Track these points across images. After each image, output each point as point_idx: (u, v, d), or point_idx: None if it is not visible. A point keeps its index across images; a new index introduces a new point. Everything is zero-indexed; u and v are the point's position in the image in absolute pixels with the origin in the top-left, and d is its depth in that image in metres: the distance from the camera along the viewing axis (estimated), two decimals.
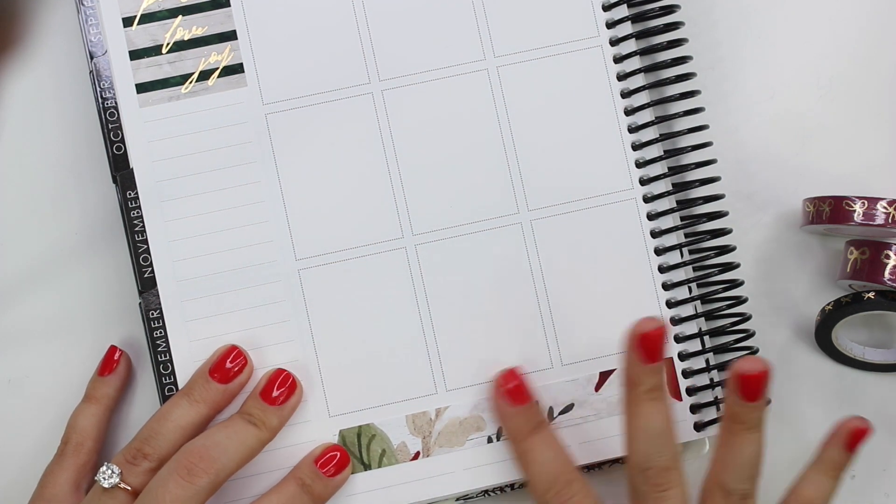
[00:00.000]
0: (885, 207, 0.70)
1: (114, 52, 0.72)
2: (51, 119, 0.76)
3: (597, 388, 0.72)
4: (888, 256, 0.70)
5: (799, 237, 0.76)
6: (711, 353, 0.73)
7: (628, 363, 0.65)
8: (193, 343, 0.71)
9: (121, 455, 0.67)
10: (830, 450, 0.67)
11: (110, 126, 0.72)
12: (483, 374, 0.71)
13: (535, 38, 0.73)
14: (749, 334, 0.72)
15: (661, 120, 0.73)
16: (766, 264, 0.76)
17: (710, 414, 0.72)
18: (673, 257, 0.72)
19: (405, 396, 0.71)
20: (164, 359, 0.71)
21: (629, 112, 0.73)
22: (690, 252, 0.73)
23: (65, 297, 0.75)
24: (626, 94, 0.73)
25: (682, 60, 0.73)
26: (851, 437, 0.66)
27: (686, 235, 0.73)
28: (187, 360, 0.70)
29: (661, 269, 0.72)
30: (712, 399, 0.72)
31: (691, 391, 0.72)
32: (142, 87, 0.72)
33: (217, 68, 0.72)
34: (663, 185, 0.73)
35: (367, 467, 0.71)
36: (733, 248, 0.73)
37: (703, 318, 0.73)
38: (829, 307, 0.72)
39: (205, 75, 0.72)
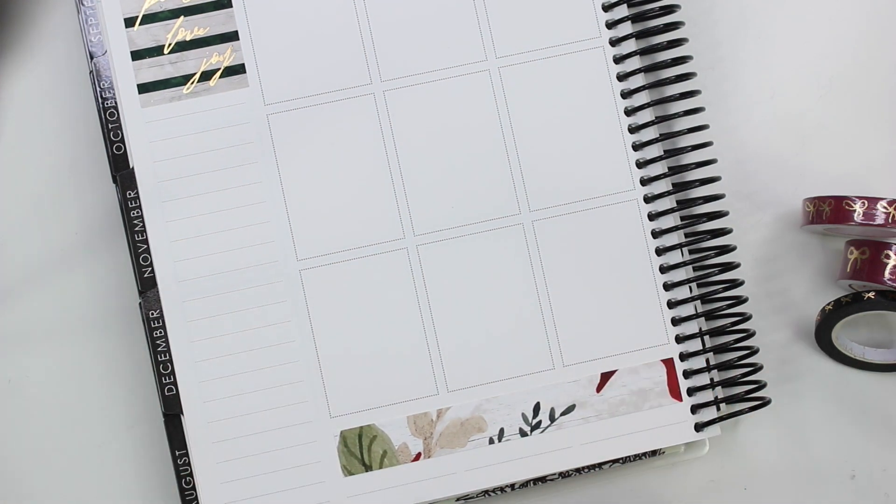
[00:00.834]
0: (885, 207, 0.70)
1: (115, 52, 0.72)
2: (51, 119, 0.76)
3: (598, 389, 0.72)
4: (888, 256, 0.71)
5: (799, 237, 0.76)
6: (711, 353, 0.73)
7: None
8: (194, 343, 0.71)
9: None
10: None
11: (110, 126, 0.72)
12: (484, 375, 0.71)
13: (536, 38, 0.73)
14: (749, 334, 0.72)
15: (661, 120, 0.73)
16: (766, 264, 0.76)
17: (710, 414, 0.72)
18: (673, 257, 0.72)
19: (406, 397, 0.71)
20: (164, 359, 0.71)
21: (629, 112, 0.73)
22: (690, 252, 0.73)
23: (65, 297, 0.75)
24: (626, 95, 0.73)
25: (682, 60, 0.73)
26: None
27: (686, 235, 0.73)
28: (188, 361, 0.70)
29: (662, 270, 0.72)
30: (712, 399, 0.72)
31: (691, 391, 0.72)
32: (143, 88, 0.72)
33: (219, 69, 0.72)
34: (663, 185, 0.73)
35: (368, 468, 0.71)
36: (733, 248, 0.73)
37: (703, 318, 0.73)
38: (829, 307, 0.72)
39: (206, 76, 0.72)
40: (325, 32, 0.72)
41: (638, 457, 0.73)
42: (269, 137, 0.72)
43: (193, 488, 0.71)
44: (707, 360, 0.72)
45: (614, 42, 0.73)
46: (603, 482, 0.74)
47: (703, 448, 0.73)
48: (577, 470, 0.72)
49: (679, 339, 0.72)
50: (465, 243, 0.72)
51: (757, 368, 0.72)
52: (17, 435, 0.74)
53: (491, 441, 0.71)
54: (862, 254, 0.72)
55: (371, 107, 0.72)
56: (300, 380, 0.71)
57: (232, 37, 0.72)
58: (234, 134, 0.72)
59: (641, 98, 0.73)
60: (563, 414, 0.71)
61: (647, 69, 0.73)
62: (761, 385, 0.72)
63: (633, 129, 0.73)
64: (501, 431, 0.71)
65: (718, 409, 0.72)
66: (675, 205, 0.73)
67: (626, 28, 0.73)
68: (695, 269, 0.73)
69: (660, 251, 0.72)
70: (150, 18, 0.72)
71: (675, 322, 0.72)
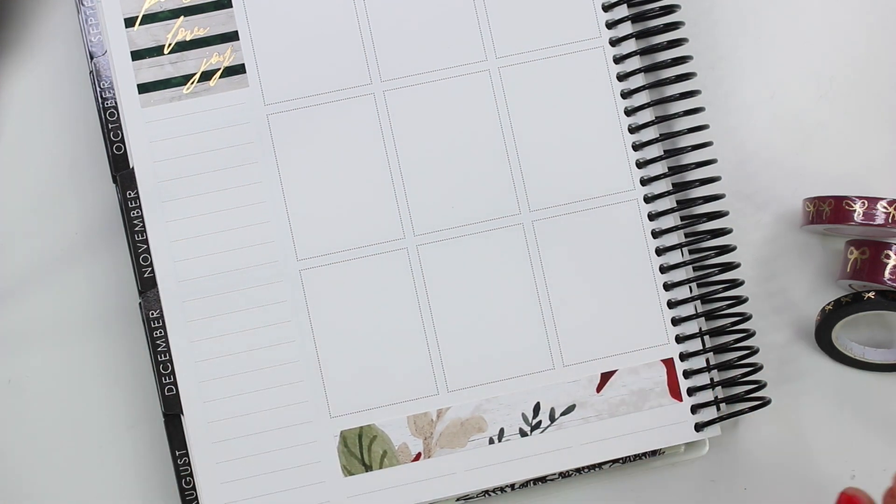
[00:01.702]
0: (885, 207, 0.70)
1: (115, 52, 0.72)
2: (51, 119, 0.76)
3: (598, 389, 0.72)
4: (888, 256, 0.71)
5: (799, 237, 0.76)
6: (711, 353, 0.73)
7: None
8: (194, 343, 0.71)
9: None
10: None
11: (110, 126, 0.72)
12: (485, 375, 0.71)
13: (536, 38, 0.73)
14: (749, 334, 0.72)
15: (661, 120, 0.73)
16: (766, 264, 0.76)
17: (710, 414, 0.72)
18: (673, 257, 0.72)
19: (406, 397, 0.71)
20: (164, 359, 0.71)
21: (629, 112, 0.73)
22: (690, 252, 0.73)
23: (64, 297, 0.75)
24: (626, 95, 0.73)
25: (682, 60, 0.73)
26: None
27: (686, 235, 0.73)
28: (188, 361, 0.70)
29: (662, 270, 0.72)
30: (712, 399, 0.72)
31: (691, 391, 0.72)
32: (143, 88, 0.72)
33: (219, 69, 0.72)
34: (663, 185, 0.73)
35: (368, 468, 0.71)
36: (733, 248, 0.73)
37: (703, 318, 0.73)
38: (829, 307, 0.72)
39: (206, 76, 0.72)
40: (325, 32, 0.72)
41: (638, 457, 0.73)
42: (269, 137, 0.72)
43: (193, 488, 0.71)
44: (707, 360, 0.72)
45: (614, 42, 0.73)
46: (603, 482, 0.74)
47: (703, 448, 0.73)
48: (577, 470, 0.72)
49: (679, 339, 0.72)
50: (466, 243, 0.72)
51: (757, 368, 0.72)
52: (17, 435, 0.74)
53: (491, 441, 0.71)
54: (862, 254, 0.72)
55: (371, 107, 0.72)
56: (300, 380, 0.71)
57: (232, 37, 0.72)
58: (234, 134, 0.72)
59: (641, 98, 0.73)
60: (563, 414, 0.71)
61: (647, 69, 0.73)
62: (761, 385, 0.72)
63: (633, 129, 0.73)
64: (501, 431, 0.71)
65: (718, 409, 0.72)
66: (675, 205, 0.73)
67: (626, 28, 0.73)
68: (695, 269, 0.73)
69: (660, 251, 0.72)
70: (150, 18, 0.72)
71: (675, 322, 0.72)
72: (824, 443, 0.74)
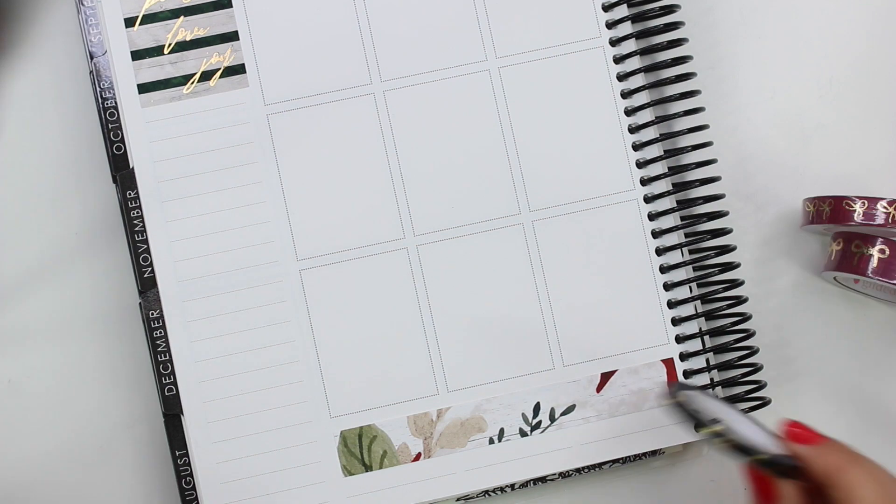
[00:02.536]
0: (885, 207, 0.70)
1: (115, 52, 0.72)
2: (51, 119, 0.76)
3: (598, 390, 0.72)
4: (858, 246, 0.71)
5: (799, 237, 0.76)
6: (711, 353, 0.73)
7: None
8: (194, 343, 0.71)
9: None
10: None
11: (110, 126, 0.72)
12: (484, 375, 0.71)
13: (536, 38, 0.73)
14: (749, 334, 0.72)
15: (661, 120, 0.73)
16: (766, 264, 0.76)
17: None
18: (673, 257, 0.72)
19: (406, 397, 0.71)
20: (164, 359, 0.71)
21: (629, 112, 0.73)
22: (690, 252, 0.73)
23: (65, 297, 0.75)
24: (626, 95, 0.73)
25: (682, 60, 0.73)
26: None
27: (686, 235, 0.73)
28: (188, 361, 0.71)
29: (662, 270, 0.72)
30: None
31: None
32: (143, 88, 0.72)
33: (219, 69, 0.72)
34: (664, 185, 0.73)
35: (368, 468, 0.71)
36: (733, 248, 0.73)
37: (703, 318, 0.73)
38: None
39: (206, 76, 0.72)
40: (325, 33, 0.72)
41: (638, 457, 0.73)
42: (269, 137, 0.72)
43: (193, 488, 0.71)
44: (707, 360, 0.72)
45: (614, 42, 0.73)
46: (603, 482, 0.74)
47: (703, 448, 0.73)
48: (577, 470, 0.72)
49: (679, 339, 0.72)
50: (465, 243, 0.72)
51: (757, 368, 0.72)
52: (18, 435, 0.74)
53: (491, 441, 0.71)
54: (837, 245, 0.73)
55: (371, 107, 0.72)
56: (300, 380, 0.71)
57: (232, 37, 0.72)
58: (234, 134, 0.72)
59: (641, 98, 0.73)
60: (563, 414, 0.71)
61: (647, 69, 0.73)
62: (761, 385, 0.72)
63: (633, 129, 0.73)
64: (501, 431, 0.71)
65: None
66: (675, 205, 0.73)
67: (627, 28, 0.73)
68: (695, 269, 0.73)
69: (660, 251, 0.72)
70: (150, 18, 0.72)
71: (675, 322, 0.72)
72: None
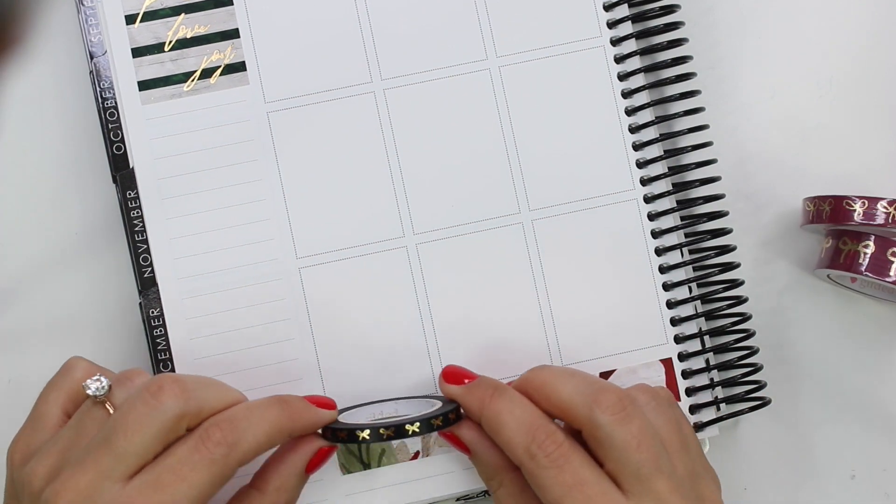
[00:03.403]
0: (885, 207, 0.70)
1: (116, 49, 0.72)
2: (51, 119, 0.76)
3: None
4: (845, 243, 0.71)
5: (799, 237, 0.76)
6: (711, 353, 0.73)
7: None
8: (194, 341, 0.71)
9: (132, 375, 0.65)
10: None
11: (110, 126, 0.72)
12: (483, 373, 0.71)
13: (537, 38, 0.73)
14: (749, 334, 0.72)
15: (661, 120, 0.73)
16: (765, 264, 0.76)
17: (710, 414, 0.72)
18: (673, 257, 0.72)
19: (406, 396, 0.71)
20: (163, 357, 0.71)
21: (630, 112, 0.73)
22: (690, 252, 0.73)
23: (65, 297, 0.75)
24: (626, 94, 0.73)
25: (682, 60, 0.73)
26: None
27: (686, 235, 0.73)
28: (187, 358, 0.70)
29: (662, 270, 0.72)
30: (712, 399, 0.72)
31: (690, 391, 0.72)
32: (144, 85, 0.72)
33: (219, 66, 0.72)
34: (664, 185, 0.73)
35: (366, 466, 0.71)
36: (733, 248, 0.73)
37: (703, 318, 0.73)
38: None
39: (207, 73, 0.72)
40: (325, 31, 0.73)
41: None
42: (269, 135, 0.72)
43: None
44: (707, 360, 0.72)
45: (615, 42, 0.73)
46: None
47: (702, 448, 0.73)
48: None
49: (678, 340, 0.72)
50: (465, 242, 0.72)
51: (757, 368, 0.72)
52: None
53: None
54: (827, 242, 0.73)
55: (371, 105, 0.72)
56: (299, 377, 0.71)
57: (233, 34, 0.72)
58: (234, 132, 0.72)
59: (642, 98, 0.73)
60: None
61: (647, 69, 0.73)
62: (761, 385, 0.72)
63: (633, 129, 0.73)
64: None
65: (718, 409, 0.72)
66: (675, 205, 0.73)
67: (627, 28, 0.73)
68: (695, 269, 0.73)
69: (660, 251, 0.72)
70: (150, 16, 0.72)
71: (675, 322, 0.72)
72: (824, 443, 0.74)
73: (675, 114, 0.73)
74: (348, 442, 0.64)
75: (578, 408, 0.63)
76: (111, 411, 0.62)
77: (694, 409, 0.72)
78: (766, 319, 0.76)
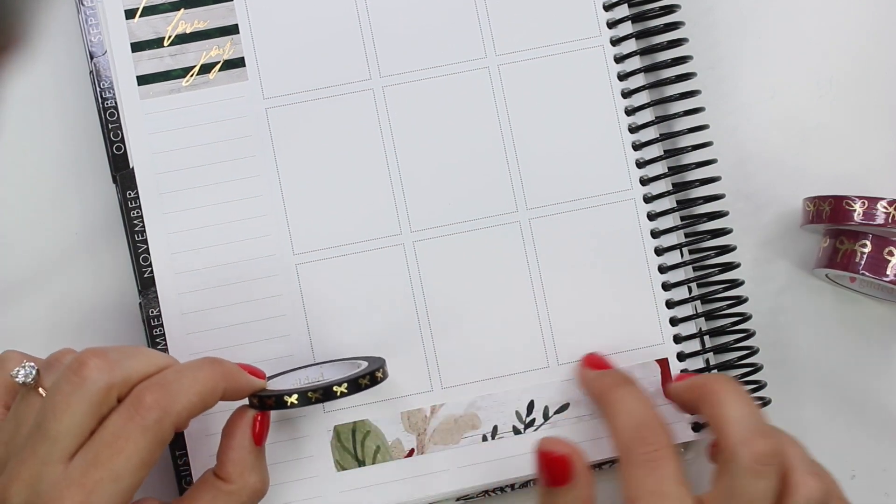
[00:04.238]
0: (885, 207, 0.70)
1: (115, 44, 0.72)
2: (51, 119, 0.76)
3: None
4: (842, 242, 0.71)
5: (799, 237, 0.76)
6: (711, 353, 0.72)
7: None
8: (190, 336, 0.70)
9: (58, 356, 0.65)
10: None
11: (110, 126, 0.72)
12: (479, 373, 0.71)
13: (536, 36, 0.73)
14: (749, 334, 0.72)
15: (661, 120, 0.73)
16: (765, 264, 0.76)
17: None
18: (673, 257, 0.72)
19: (401, 393, 0.71)
20: None
21: (629, 112, 0.73)
22: (690, 252, 0.73)
23: (65, 297, 0.75)
24: (626, 94, 0.73)
25: (682, 60, 0.73)
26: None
27: (686, 235, 0.73)
28: (183, 353, 0.70)
29: (661, 270, 0.72)
30: None
31: None
32: (143, 80, 0.72)
33: (218, 62, 0.72)
34: (663, 185, 0.72)
35: (361, 463, 0.70)
36: (733, 248, 0.73)
37: (703, 318, 0.72)
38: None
39: (206, 69, 0.72)
40: (325, 28, 0.73)
41: None
42: (267, 131, 0.72)
43: None
44: (707, 360, 0.72)
45: (615, 42, 0.73)
46: (603, 482, 0.73)
47: (703, 448, 0.73)
48: None
49: (678, 339, 0.72)
50: (462, 240, 0.72)
51: (757, 369, 0.72)
52: None
53: (484, 438, 0.71)
54: (824, 242, 0.73)
55: (370, 102, 0.72)
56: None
57: (232, 30, 0.72)
58: (232, 127, 0.72)
59: (642, 98, 0.73)
60: (556, 412, 0.71)
61: (647, 69, 0.73)
62: (761, 385, 0.72)
63: (633, 129, 0.73)
64: (495, 429, 0.71)
65: None
66: (674, 205, 0.73)
67: (627, 28, 0.73)
68: (694, 269, 0.73)
69: (659, 251, 0.72)
70: (150, 10, 0.72)
71: (675, 322, 0.72)
72: (824, 443, 0.74)
73: (675, 114, 0.73)
74: (276, 408, 0.64)
75: (732, 434, 0.62)
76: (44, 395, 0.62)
77: None
78: (766, 319, 0.75)
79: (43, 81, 0.76)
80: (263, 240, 0.71)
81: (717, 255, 0.72)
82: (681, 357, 0.72)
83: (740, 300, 0.73)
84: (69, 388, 0.59)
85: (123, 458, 0.59)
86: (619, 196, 0.72)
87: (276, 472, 0.70)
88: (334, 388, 0.64)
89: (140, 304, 0.72)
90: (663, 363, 0.72)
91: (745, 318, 0.72)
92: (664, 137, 0.73)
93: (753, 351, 0.72)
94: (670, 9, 0.74)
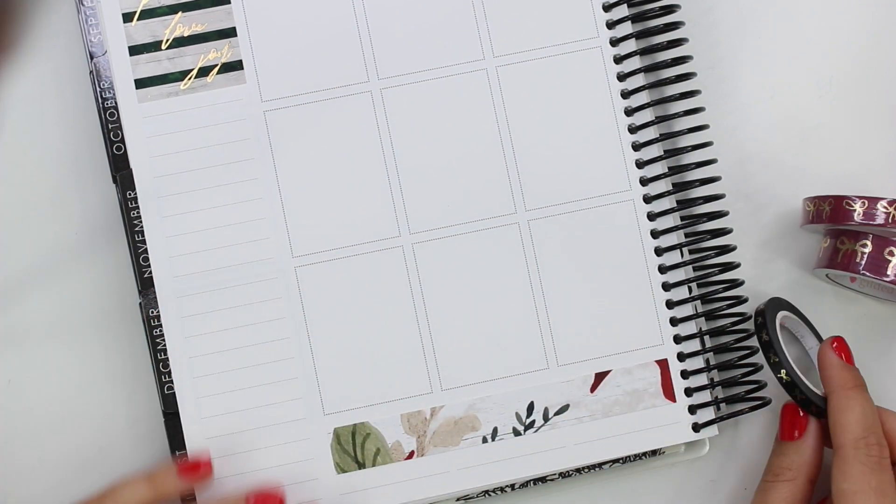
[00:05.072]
0: (885, 207, 0.70)
1: (113, 47, 0.72)
2: (51, 119, 0.76)
3: (592, 390, 0.71)
4: (843, 242, 0.71)
5: (799, 237, 0.76)
6: (711, 353, 0.72)
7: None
8: (189, 339, 0.71)
9: None
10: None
11: (110, 126, 0.72)
12: (479, 374, 0.71)
13: (535, 38, 0.73)
14: (749, 334, 0.72)
15: (661, 120, 0.72)
16: (765, 264, 0.76)
17: (709, 414, 0.72)
18: (673, 257, 0.72)
19: (400, 395, 0.71)
20: (163, 357, 0.71)
21: (629, 112, 0.73)
22: (690, 252, 0.73)
23: (65, 297, 0.75)
24: (626, 95, 0.73)
25: (682, 60, 0.73)
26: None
27: (686, 235, 0.73)
28: (182, 356, 0.70)
29: (661, 270, 0.72)
30: (712, 399, 0.71)
31: (690, 391, 0.71)
32: (141, 83, 0.72)
33: (216, 65, 0.72)
34: (663, 185, 0.72)
35: (361, 466, 0.71)
36: (733, 248, 0.73)
37: (703, 318, 0.72)
38: None
39: (204, 72, 0.72)
40: (323, 30, 0.72)
41: (638, 457, 0.72)
42: (265, 134, 0.72)
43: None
44: (707, 361, 0.72)
45: (614, 42, 0.73)
46: (603, 482, 0.74)
47: (703, 448, 0.73)
48: (578, 470, 0.72)
49: (678, 340, 0.72)
50: (461, 242, 0.72)
51: (757, 368, 0.72)
52: (17, 435, 0.74)
53: (484, 440, 0.71)
54: (825, 242, 0.73)
55: (368, 105, 0.72)
56: (294, 377, 0.71)
57: (230, 33, 0.72)
58: (230, 130, 0.72)
59: (641, 98, 0.73)
60: (556, 414, 0.71)
61: (647, 69, 0.73)
62: (761, 385, 0.72)
63: (632, 129, 0.72)
64: (495, 430, 0.71)
65: (718, 409, 0.72)
66: (675, 205, 0.72)
67: (627, 28, 0.73)
68: (694, 269, 0.73)
69: (659, 251, 0.72)
70: (147, 14, 0.72)
71: (674, 322, 0.72)
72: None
73: (675, 114, 0.73)
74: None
75: None
76: None
77: (693, 409, 0.71)
78: None
79: (43, 81, 0.76)
80: (262, 243, 0.71)
81: (717, 255, 0.72)
82: (681, 357, 0.72)
83: (740, 300, 0.72)
84: None
85: None
86: (618, 196, 0.72)
87: (276, 474, 0.70)
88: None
89: (140, 304, 0.72)
90: (663, 363, 0.72)
91: (745, 318, 0.72)
92: (664, 137, 0.73)
93: (753, 351, 0.72)
94: (670, 9, 0.74)
